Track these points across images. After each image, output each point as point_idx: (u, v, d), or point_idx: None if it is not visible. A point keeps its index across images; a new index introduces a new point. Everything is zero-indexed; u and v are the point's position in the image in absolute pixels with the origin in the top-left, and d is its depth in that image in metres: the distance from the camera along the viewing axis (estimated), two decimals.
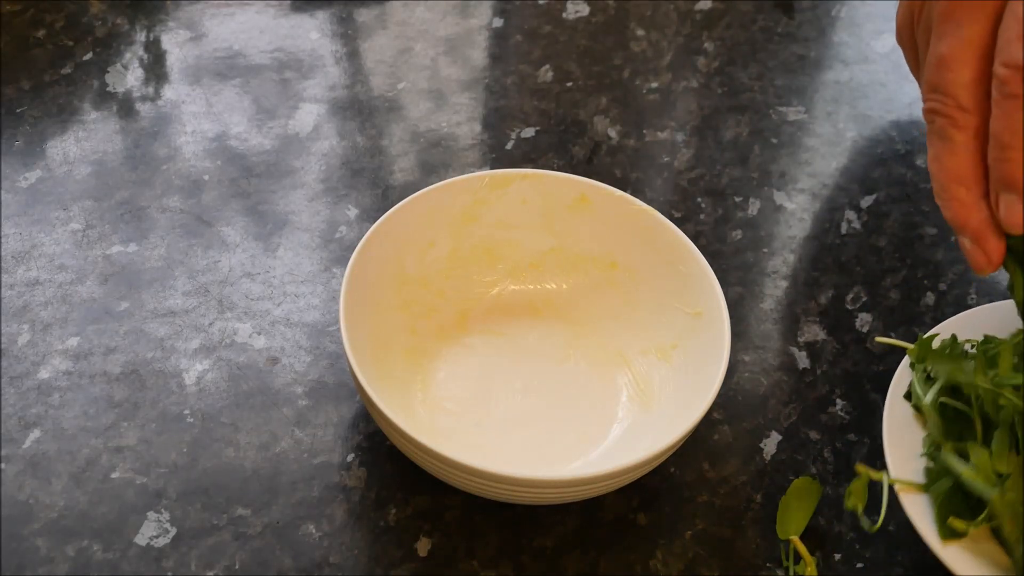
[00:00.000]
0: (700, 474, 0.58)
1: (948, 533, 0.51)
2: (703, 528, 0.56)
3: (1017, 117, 0.43)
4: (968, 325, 0.58)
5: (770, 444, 0.59)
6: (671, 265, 0.59)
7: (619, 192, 0.60)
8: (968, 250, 0.48)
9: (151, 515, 0.54)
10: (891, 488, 0.52)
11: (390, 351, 0.58)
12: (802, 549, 0.54)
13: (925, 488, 0.52)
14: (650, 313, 0.60)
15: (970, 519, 0.50)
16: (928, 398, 0.54)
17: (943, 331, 0.57)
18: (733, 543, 0.55)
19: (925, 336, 0.57)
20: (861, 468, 0.53)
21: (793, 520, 0.55)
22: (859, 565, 0.55)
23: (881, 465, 0.59)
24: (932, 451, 0.53)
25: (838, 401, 0.61)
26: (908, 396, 0.56)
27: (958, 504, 0.51)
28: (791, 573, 0.54)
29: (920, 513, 0.52)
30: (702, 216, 0.69)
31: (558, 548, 0.55)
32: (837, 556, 0.55)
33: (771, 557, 0.55)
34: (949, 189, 0.46)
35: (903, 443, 0.54)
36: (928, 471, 0.53)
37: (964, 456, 0.52)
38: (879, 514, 0.53)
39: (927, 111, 0.46)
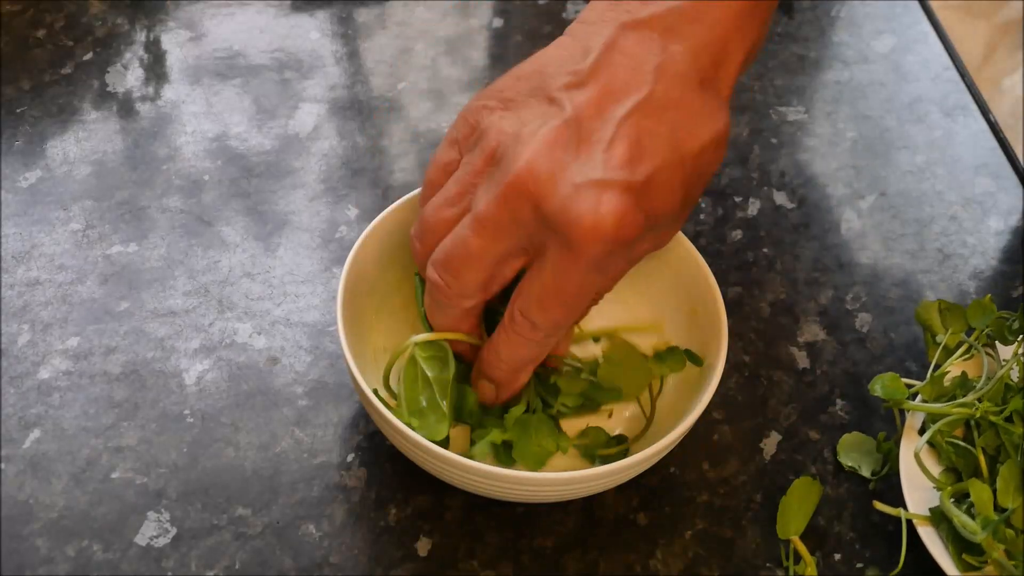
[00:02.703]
0: (700, 474, 0.58)
1: (966, 567, 0.52)
2: (703, 528, 0.56)
3: (517, 350, 0.50)
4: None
5: (770, 444, 0.59)
6: (669, 264, 0.59)
7: None
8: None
9: (151, 515, 0.54)
10: (909, 522, 0.54)
11: (390, 351, 0.58)
12: (802, 549, 0.54)
13: (935, 524, 0.53)
14: (647, 312, 0.60)
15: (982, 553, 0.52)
16: (919, 444, 0.55)
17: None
18: (733, 543, 0.55)
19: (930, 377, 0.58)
20: (879, 506, 0.54)
21: (793, 520, 0.55)
22: (859, 565, 0.55)
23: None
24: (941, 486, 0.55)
25: (838, 401, 0.61)
26: (922, 431, 0.56)
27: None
28: (791, 573, 0.54)
29: (938, 545, 0.52)
30: (702, 216, 0.69)
31: (558, 548, 0.55)
32: (837, 556, 0.55)
33: (771, 557, 0.55)
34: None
35: (921, 475, 0.55)
36: (932, 511, 0.54)
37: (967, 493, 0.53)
38: (898, 547, 0.54)
39: (433, 283, 0.49)
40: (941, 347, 0.59)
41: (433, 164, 0.51)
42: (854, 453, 0.58)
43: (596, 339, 0.60)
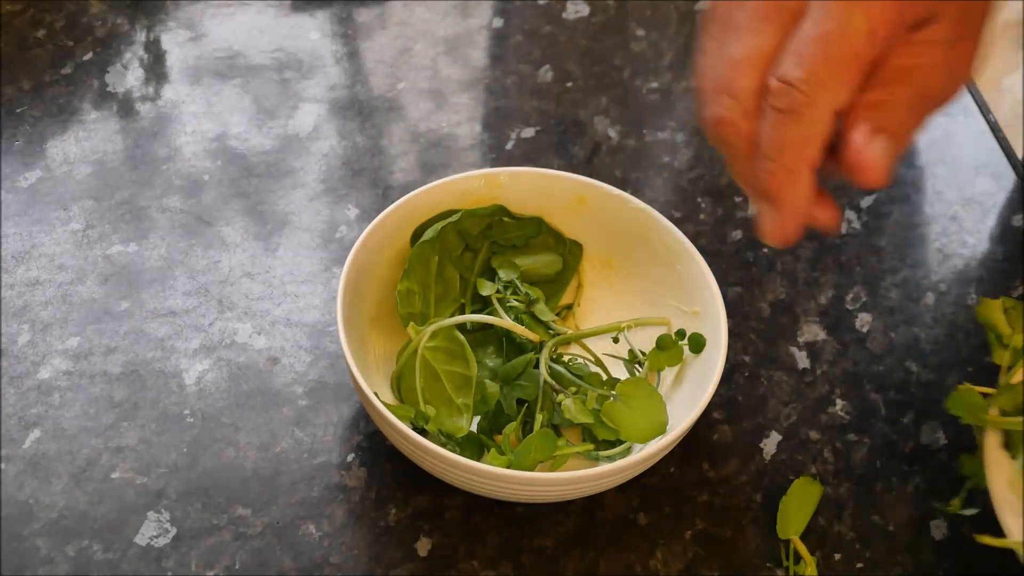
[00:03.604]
0: (700, 474, 0.58)
1: None
2: (703, 528, 0.56)
3: (780, 131, 0.43)
4: None
5: (770, 444, 0.59)
6: (668, 264, 0.59)
7: (616, 191, 0.60)
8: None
9: (151, 515, 0.54)
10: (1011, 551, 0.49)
11: (390, 350, 0.58)
12: (802, 549, 0.54)
13: None
14: (647, 312, 0.60)
15: None
16: (1017, 470, 0.50)
17: None
18: (733, 543, 0.55)
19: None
20: (987, 539, 0.50)
21: (793, 520, 0.55)
22: (859, 565, 0.55)
23: (882, 464, 0.59)
24: None
25: (838, 401, 0.61)
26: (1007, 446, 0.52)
27: None
28: (791, 573, 0.54)
29: None
30: (702, 216, 0.69)
31: (558, 548, 0.55)
32: (837, 556, 0.55)
33: (771, 557, 0.55)
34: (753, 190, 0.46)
35: (1017, 499, 0.50)
36: None
37: None
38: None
39: (712, 117, 0.44)
40: (1010, 349, 0.55)
41: (728, 61, 0.45)
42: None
43: (615, 339, 0.59)
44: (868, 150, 0.44)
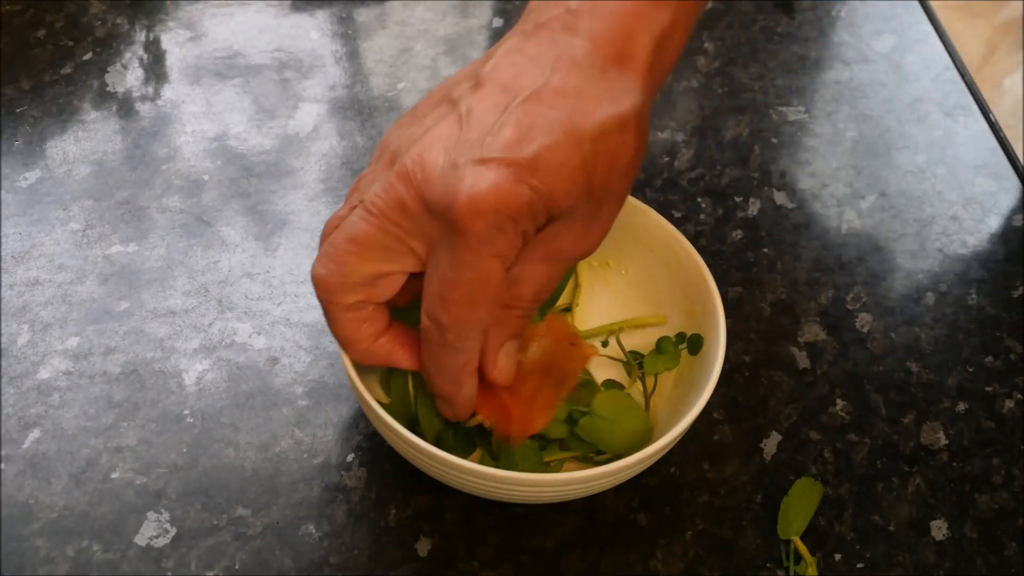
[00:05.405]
0: (700, 474, 0.58)
1: None
2: (703, 528, 0.56)
3: (432, 356, 0.48)
4: None
5: (770, 444, 0.59)
6: (667, 264, 0.59)
7: None
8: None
9: (151, 515, 0.54)
10: None
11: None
12: (803, 549, 0.54)
13: None
14: (646, 312, 0.60)
15: None
16: None
17: None
18: (733, 543, 0.55)
19: None
20: None
21: (794, 520, 0.55)
22: (859, 565, 0.55)
23: (882, 464, 0.59)
24: None
25: (838, 401, 0.61)
26: None
27: None
28: (791, 573, 0.54)
29: None
30: (702, 216, 0.69)
31: (558, 548, 0.55)
32: (837, 556, 0.55)
33: (771, 557, 0.55)
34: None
35: None
36: None
37: None
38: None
39: (314, 280, 0.48)
40: None
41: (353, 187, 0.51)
42: None
43: (604, 343, 0.59)
44: (498, 360, 0.50)
